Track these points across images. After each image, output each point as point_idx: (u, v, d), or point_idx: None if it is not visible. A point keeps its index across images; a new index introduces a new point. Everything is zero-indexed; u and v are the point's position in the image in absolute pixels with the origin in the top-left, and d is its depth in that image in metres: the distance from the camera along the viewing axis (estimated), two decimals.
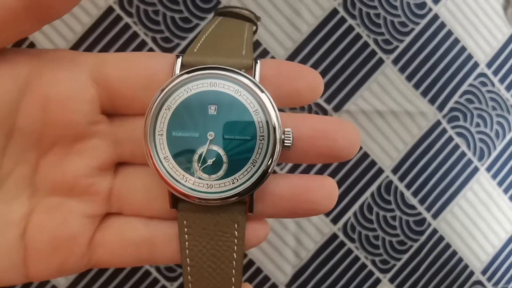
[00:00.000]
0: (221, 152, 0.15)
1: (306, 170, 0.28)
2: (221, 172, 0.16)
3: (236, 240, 0.16)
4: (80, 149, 0.16)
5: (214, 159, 0.15)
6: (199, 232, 0.16)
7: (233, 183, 0.16)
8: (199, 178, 0.16)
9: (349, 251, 0.28)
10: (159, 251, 0.17)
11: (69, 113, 0.16)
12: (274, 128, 0.15)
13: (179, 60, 0.16)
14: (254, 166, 0.15)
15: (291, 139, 0.15)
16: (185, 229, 0.16)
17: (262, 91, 0.15)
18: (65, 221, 0.16)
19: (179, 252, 0.17)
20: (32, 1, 0.14)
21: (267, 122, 0.15)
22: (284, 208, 0.16)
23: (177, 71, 0.16)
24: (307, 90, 0.16)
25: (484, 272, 0.30)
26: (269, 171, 0.15)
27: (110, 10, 0.26)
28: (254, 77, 0.16)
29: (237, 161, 0.15)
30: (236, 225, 0.16)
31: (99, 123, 0.16)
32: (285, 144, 0.15)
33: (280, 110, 0.16)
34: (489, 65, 0.29)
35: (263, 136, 0.15)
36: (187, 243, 0.16)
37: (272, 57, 0.27)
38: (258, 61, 0.16)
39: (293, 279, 0.28)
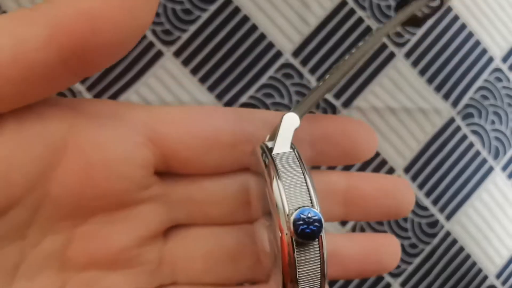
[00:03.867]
0: None
1: None
2: None
3: None
4: (127, 216, 0.14)
5: None
6: None
7: None
8: None
9: None
10: None
11: (117, 181, 0.13)
12: None
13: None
14: None
15: None
16: None
17: None
18: None
19: None
20: (71, 56, 0.11)
21: None
22: (353, 270, 0.16)
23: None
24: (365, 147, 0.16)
25: (498, 276, 0.29)
26: None
27: None
28: None
29: None
30: None
31: (151, 187, 0.14)
32: None
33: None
34: (504, 59, 0.28)
35: None
36: None
37: (279, 52, 0.26)
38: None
39: None
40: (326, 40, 0.26)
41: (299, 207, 0.12)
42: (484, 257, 0.28)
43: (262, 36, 0.26)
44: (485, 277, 0.28)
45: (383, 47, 0.27)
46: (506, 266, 0.29)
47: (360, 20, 0.26)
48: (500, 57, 0.28)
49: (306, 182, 0.13)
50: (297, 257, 0.13)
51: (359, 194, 0.16)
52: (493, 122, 0.28)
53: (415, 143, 0.27)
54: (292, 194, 0.13)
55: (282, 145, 0.14)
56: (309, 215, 0.12)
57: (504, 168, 0.28)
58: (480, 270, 0.28)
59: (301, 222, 0.12)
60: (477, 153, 0.28)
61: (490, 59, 0.28)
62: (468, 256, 0.28)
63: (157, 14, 0.25)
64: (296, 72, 0.26)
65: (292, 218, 0.12)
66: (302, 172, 0.13)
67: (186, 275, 0.15)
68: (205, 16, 0.25)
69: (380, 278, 0.27)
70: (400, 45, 0.27)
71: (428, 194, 0.27)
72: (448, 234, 0.28)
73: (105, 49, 0.12)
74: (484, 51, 0.28)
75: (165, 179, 0.15)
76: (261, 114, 0.15)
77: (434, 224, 0.28)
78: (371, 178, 0.16)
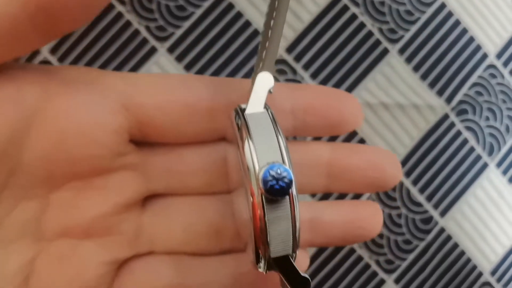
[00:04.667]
0: None
1: None
2: None
3: None
4: (102, 183, 0.14)
5: None
6: None
7: None
8: None
9: (352, 250, 0.27)
10: None
11: (90, 147, 0.13)
12: None
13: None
14: None
15: None
16: None
17: None
18: (80, 271, 0.14)
19: None
20: (38, 11, 0.11)
21: None
22: (336, 237, 0.16)
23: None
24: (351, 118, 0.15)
25: (493, 273, 0.29)
26: None
27: None
28: None
29: None
30: None
31: (127, 155, 0.14)
32: None
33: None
34: (498, 56, 0.28)
35: None
36: None
37: None
38: None
39: None
40: (320, 36, 0.26)
41: (269, 163, 0.12)
42: (478, 254, 0.28)
43: (256, 33, 0.26)
44: (480, 274, 0.28)
45: (377, 43, 0.27)
46: (501, 263, 0.29)
47: (353, 17, 0.26)
48: (494, 53, 0.28)
49: (278, 142, 0.13)
50: (267, 216, 0.12)
51: (344, 165, 0.15)
52: (487, 119, 0.28)
53: (408, 139, 0.27)
54: (263, 153, 0.12)
55: (255, 105, 0.13)
56: (279, 171, 0.12)
57: (499, 164, 0.28)
58: (475, 267, 0.28)
59: (270, 178, 0.12)
60: (472, 150, 0.28)
61: (485, 56, 0.28)
62: (462, 253, 0.28)
63: (151, 11, 0.25)
64: (290, 68, 0.26)
65: (261, 174, 0.12)
66: (275, 132, 0.13)
67: (164, 245, 0.15)
68: (198, 12, 0.25)
69: (374, 274, 0.27)
70: (394, 41, 0.27)
71: (422, 190, 0.27)
72: (442, 230, 0.28)
73: (72, 6, 0.11)
74: (478, 48, 0.28)
75: (143, 149, 0.15)
76: (241, 83, 0.15)
77: (428, 220, 0.28)
78: (357, 149, 0.16)
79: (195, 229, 0.15)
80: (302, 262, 0.15)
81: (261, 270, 0.13)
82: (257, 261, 0.13)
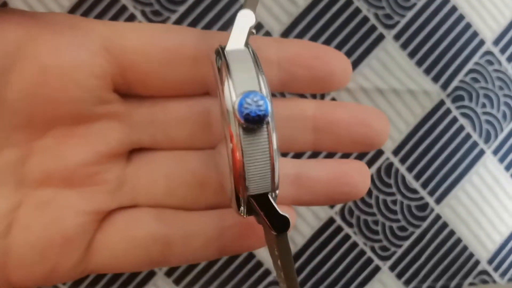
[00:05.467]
0: None
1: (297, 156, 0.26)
2: None
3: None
4: (85, 132, 0.14)
5: None
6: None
7: None
8: None
9: (347, 237, 0.27)
10: (175, 251, 0.15)
11: (71, 88, 0.13)
12: None
13: None
14: None
15: None
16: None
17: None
18: (59, 219, 0.14)
19: (197, 251, 0.15)
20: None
21: None
22: (322, 193, 0.16)
23: None
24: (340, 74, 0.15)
25: (490, 262, 0.28)
26: None
27: None
28: None
29: None
30: None
31: (110, 103, 0.14)
32: None
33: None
34: (495, 43, 0.28)
35: None
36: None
37: (268, 33, 0.26)
38: None
39: None
40: (315, 22, 0.26)
41: (245, 92, 0.12)
42: (475, 242, 0.28)
43: None
44: (477, 262, 0.28)
45: (373, 28, 0.27)
46: (498, 251, 0.28)
47: (349, 2, 0.26)
48: (491, 40, 0.28)
49: (257, 75, 0.12)
50: (244, 149, 0.12)
51: (331, 120, 0.15)
52: (484, 105, 0.28)
53: (404, 125, 0.27)
54: (241, 84, 0.12)
55: (236, 43, 0.13)
56: (255, 99, 0.12)
57: (496, 152, 0.28)
58: (472, 255, 0.28)
59: (246, 105, 0.12)
60: (468, 136, 0.28)
61: (481, 42, 0.28)
62: (459, 240, 0.28)
63: None
64: None
65: (237, 101, 0.12)
66: (254, 67, 0.13)
67: (147, 198, 0.15)
68: None
69: (369, 261, 0.27)
70: (390, 27, 0.27)
71: (417, 177, 0.27)
72: (438, 217, 0.28)
73: None
74: (475, 34, 0.28)
75: (128, 100, 0.15)
76: (226, 35, 0.15)
77: (424, 207, 0.27)
78: (344, 105, 0.16)
79: (178, 180, 0.15)
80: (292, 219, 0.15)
81: (242, 214, 0.13)
82: (238, 205, 0.13)
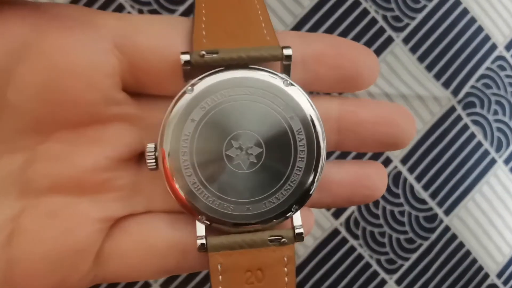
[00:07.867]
0: None
1: None
2: None
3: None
4: (95, 135, 0.13)
5: None
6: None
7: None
8: None
9: (352, 249, 0.26)
10: (191, 258, 0.14)
11: (81, 88, 0.12)
12: None
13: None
14: None
15: None
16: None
17: None
18: (71, 229, 0.13)
19: None
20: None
21: None
22: (343, 197, 0.15)
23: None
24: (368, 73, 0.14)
25: (499, 275, 0.27)
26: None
27: None
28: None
29: None
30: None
31: (120, 104, 0.13)
32: None
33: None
34: (508, 47, 0.27)
35: None
36: None
37: None
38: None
39: None
40: (321, 24, 0.25)
41: None
42: (485, 254, 0.27)
43: None
44: (486, 275, 0.27)
45: (381, 31, 0.25)
46: (508, 264, 0.27)
47: (356, 3, 0.25)
48: (503, 44, 0.27)
49: None
50: None
51: (355, 119, 0.14)
52: (496, 112, 0.27)
53: None
54: None
55: None
56: None
57: (507, 161, 0.27)
58: (481, 268, 0.27)
59: None
60: (479, 144, 0.27)
61: (493, 46, 0.27)
62: (468, 253, 0.27)
63: None
64: None
65: None
66: None
67: (162, 203, 0.14)
68: None
69: (375, 275, 0.26)
70: (399, 29, 0.26)
71: (426, 187, 0.26)
72: (447, 229, 0.27)
73: None
74: (487, 38, 0.27)
75: (140, 101, 0.14)
76: None
77: (433, 218, 0.26)
78: (368, 103, 0.15)
79: None
80: (307, 221, 0.15)
81: None
82: None
